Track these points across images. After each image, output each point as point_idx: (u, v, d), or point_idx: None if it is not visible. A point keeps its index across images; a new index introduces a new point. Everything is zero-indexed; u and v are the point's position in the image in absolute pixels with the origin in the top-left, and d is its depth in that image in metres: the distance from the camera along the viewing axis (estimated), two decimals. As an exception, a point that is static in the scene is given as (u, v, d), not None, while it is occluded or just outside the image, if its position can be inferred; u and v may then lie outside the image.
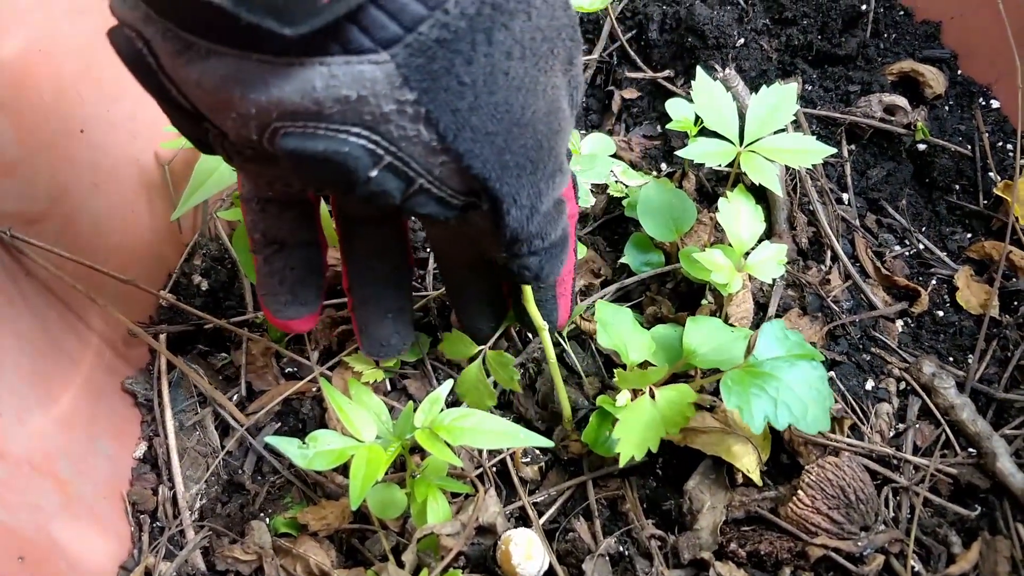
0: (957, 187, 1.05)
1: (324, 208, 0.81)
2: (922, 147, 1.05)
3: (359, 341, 0.81)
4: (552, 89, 0.53)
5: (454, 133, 0.47)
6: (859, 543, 0.74)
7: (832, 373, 0.86)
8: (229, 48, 0.42)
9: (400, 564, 0.74)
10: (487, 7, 0.45)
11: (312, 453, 0.69)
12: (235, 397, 0.93)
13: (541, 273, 0.64)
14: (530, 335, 0.94)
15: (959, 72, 1.13)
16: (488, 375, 0.84)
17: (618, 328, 0.81)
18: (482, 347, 0.84)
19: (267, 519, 0.84)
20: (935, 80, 1.09)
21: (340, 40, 0.41)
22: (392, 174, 0.48)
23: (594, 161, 0.94)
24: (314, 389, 0.93)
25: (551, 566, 0.76)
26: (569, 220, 0.74)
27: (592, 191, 1.07)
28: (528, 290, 0.74)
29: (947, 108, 1.10)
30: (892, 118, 1.05)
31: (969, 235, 1.02)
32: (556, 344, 0.92)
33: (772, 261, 0.81)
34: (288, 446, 0.68)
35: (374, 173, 0.47)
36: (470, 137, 0.48)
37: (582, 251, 0.92)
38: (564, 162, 0.60)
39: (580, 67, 0.60)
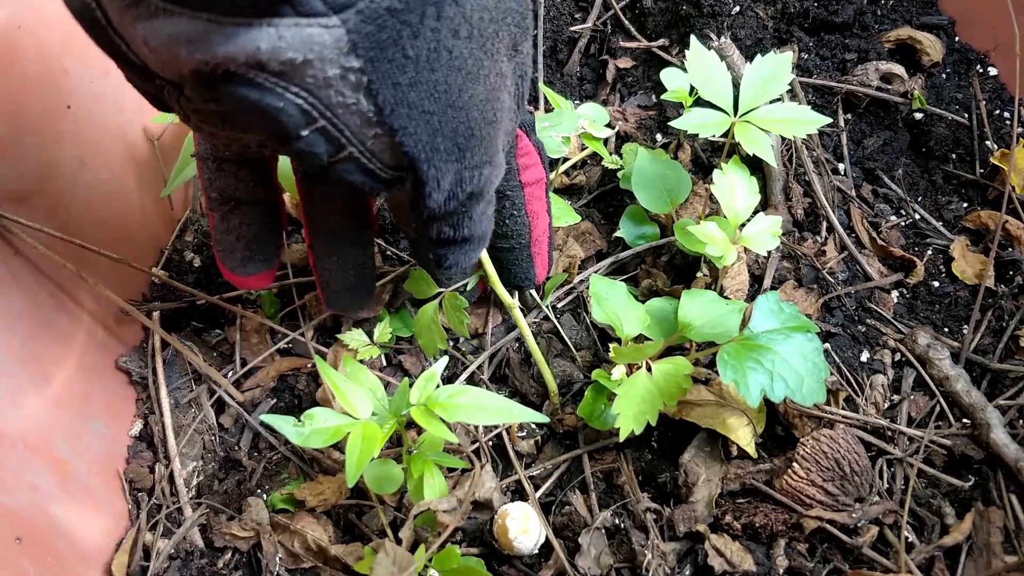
0: (954, 156, 1.04)
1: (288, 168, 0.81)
2: (919, 116, 1.05)
3: (321, 295, 0.82)
4: (496, 77, 0.54)
5: (391, 107, 0.47)
6: (853, 515, 0.75)
7: (827, 345, 0.86)
8: (179, 7, 0.41)
9: (397, 540, 0.75)
10: None
11: (308, 431, 0.69)
12: (230, 374, 0.93)
13: (443, 262, 0.65)
14: (525, 308, 0.94)
15: (957, 39, 1.12)
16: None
17: (613, 302, 0.81)
18: (441, 289, 0.84)
19: (264, 495, 0.85)
20: (932, 47, 1.08)
21: (292, 2, 0.41)
22: (323, 137, 0.48)
23: (560, 116, 0.93)
24: (309, 365, 0.93)
25: (547, 539, 0.76)
26: (538, 185, 0.76)
27: (588, 163, 1.06)
28: (486, 260, 0.74)
29: (944, 76, 1.09)
30: (889, 86, 1.04)
31: (965, 205, 1.02)
32: (546, 319, 0.92)
33: (767, 233, 0.80)
34: (284, 424, 0.68)
35: (305, 133, 0.47)
36: (406, 113, 0.48)
37: (571, 218, 0.91)
38: (497, 156, 0.59)
39: (528, 56, 0.60)
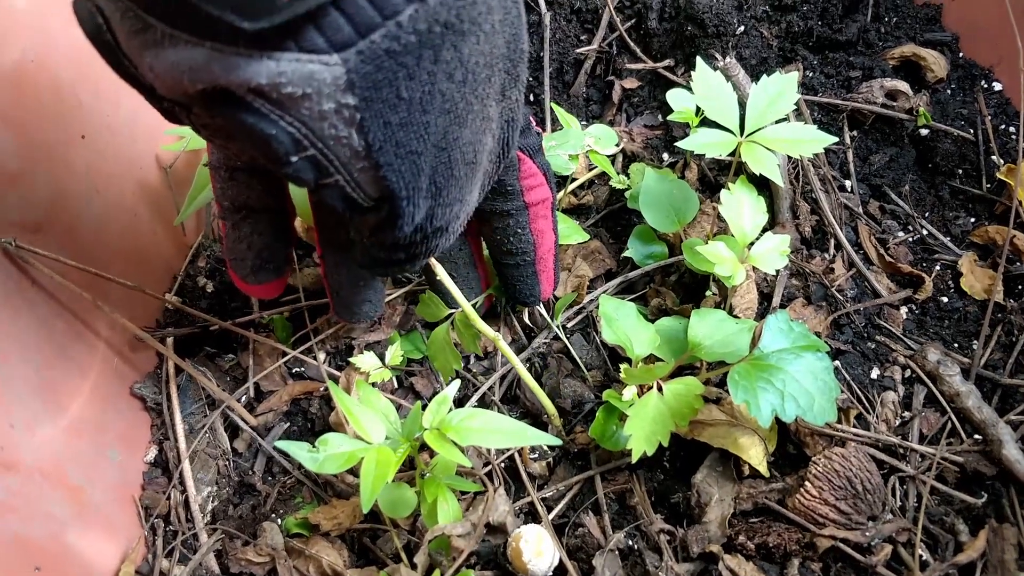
0: (960, 172, 1.04)
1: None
2: (924, 132, 1.05)
3: (331, 306, 0.83)
4: (482, 120, 0.55)
5: (380, 144, 0.48)
6: (867, 533, 0.74)
7: (837, 362, 0.87)
8: (185, 34, 0.42)
9: (412, 565, 0.75)
10: (438, 26, 0.46)
11: (322, 457, 0.70)
12: (243, 398, 0.94)
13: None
14: (535, 328, 0.94)
15: (961, 55, 1.13)
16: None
17: (622, 322, 0.81)
18: (452, 310, 0.85)
19: (279, 520, 0.85)
20: (936, 64, 1.09)
21: (296, 38, 0.42)
22: (312, 165, 0.49)
23: (567, 135, 0.94)
24: (321, 389, 0.93)
25: (561, 562, 0.77)
26: (544, 205, 0.78)
27: (596, 183, 1.07)
28: (438, 268, 0.75)
29: (949, 92, 1.10)
30: (894, 103, 1.05)
31: (972, 220, 1.02)
32: (557, 339, 0.92)
33: (775, 252, 0.81)
34: (298, 450, 0.69)
35: (295, 159, 0.47)
36: (393, 151, 0.49)
37: (580, 236, 0.92)
38: (469, 196, 0.61)
39: (517, 104, 0.62)
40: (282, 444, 0.70)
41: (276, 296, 0.83)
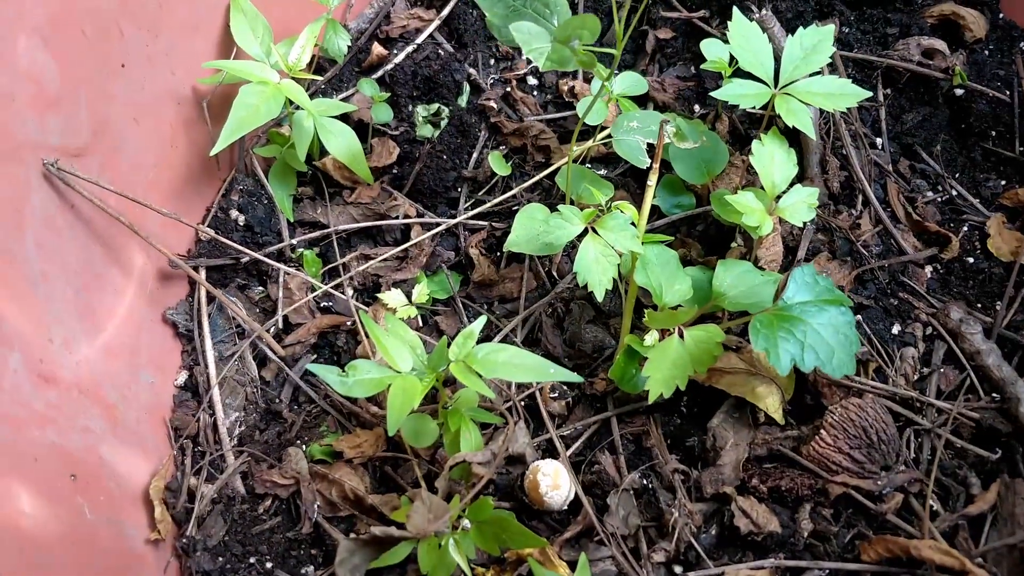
0: (993, 133, 1.04)
1: None
2: (959, 92, 1.04)
3: None
4: None
5: None
6: (879, 482, 0.76)
7: (859, 317, 0.87)
8: None
9: (432, 490, 0.77)
10: None
11: (352, 381, 0.73)
12: (272, 329, 0.96)
13: None
14: (557, 276, 0.95)
15: (1000, 16, 1.11)
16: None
17: (660, 269, 0.80)
18: None
19: (303, 446, 0.87)
20: (975, 23, 1.07)
21: None
22: None
23: (649, 118, 0.92)
24: (348, 323, 0.95)
25: (576, 496, 0.79)
26: None
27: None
28: None
29: (987, 52, 1.09)
30: (930, 62, 1.04)
31: (1004, 182, 1.02)
32: (584, 286, 0.93)
33: (803, 204, 0.81)
34: (328, 374, 0.72)
35: None
36: None
37: (607, 189, 0.92)
38: None
39: None
40: (313, 367, 0.73)
41: None
